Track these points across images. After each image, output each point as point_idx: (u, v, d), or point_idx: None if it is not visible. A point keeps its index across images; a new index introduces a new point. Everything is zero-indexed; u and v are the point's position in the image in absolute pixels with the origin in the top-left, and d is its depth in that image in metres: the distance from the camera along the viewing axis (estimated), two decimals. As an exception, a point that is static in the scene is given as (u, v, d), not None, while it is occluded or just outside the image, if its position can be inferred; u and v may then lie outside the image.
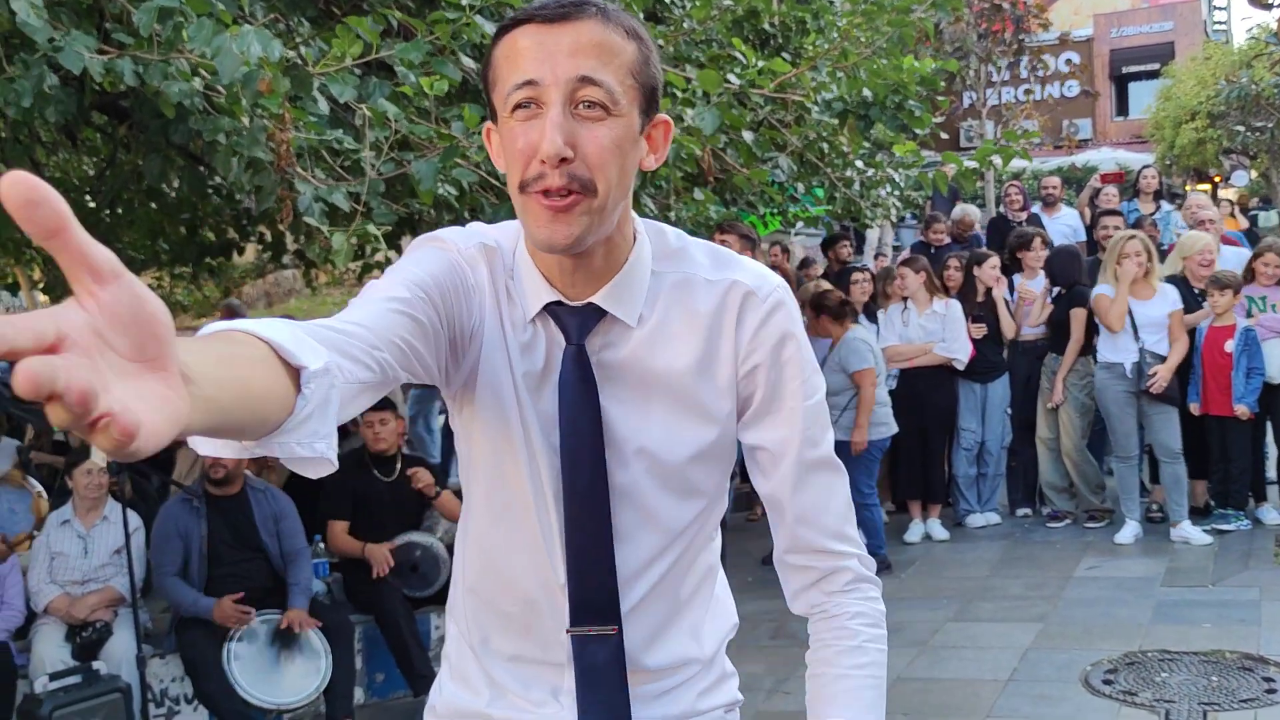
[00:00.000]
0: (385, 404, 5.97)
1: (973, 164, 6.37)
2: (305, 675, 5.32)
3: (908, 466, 8.23)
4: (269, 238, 7.00)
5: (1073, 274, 8.13)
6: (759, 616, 6.59)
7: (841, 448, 6.95)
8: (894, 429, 7.32)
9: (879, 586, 1.67)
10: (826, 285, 7.67)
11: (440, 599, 5.95)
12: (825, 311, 7.03)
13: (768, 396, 1.56)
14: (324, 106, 3.91)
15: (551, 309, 1.53)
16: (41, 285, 9.87)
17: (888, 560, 7.22)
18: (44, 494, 6.44)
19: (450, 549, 6.03)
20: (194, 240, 6.98)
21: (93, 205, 6.25)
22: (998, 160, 6.19)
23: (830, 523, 1.61)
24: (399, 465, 6.06)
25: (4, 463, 5.87)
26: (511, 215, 1.52)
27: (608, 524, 1.56)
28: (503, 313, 1.54)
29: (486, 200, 4.58)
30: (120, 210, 6.22)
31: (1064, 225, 10.39)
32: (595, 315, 1.52)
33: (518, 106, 1.40)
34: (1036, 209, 10.67)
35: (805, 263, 10.89)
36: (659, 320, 1.54)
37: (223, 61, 3.31)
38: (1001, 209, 11.33)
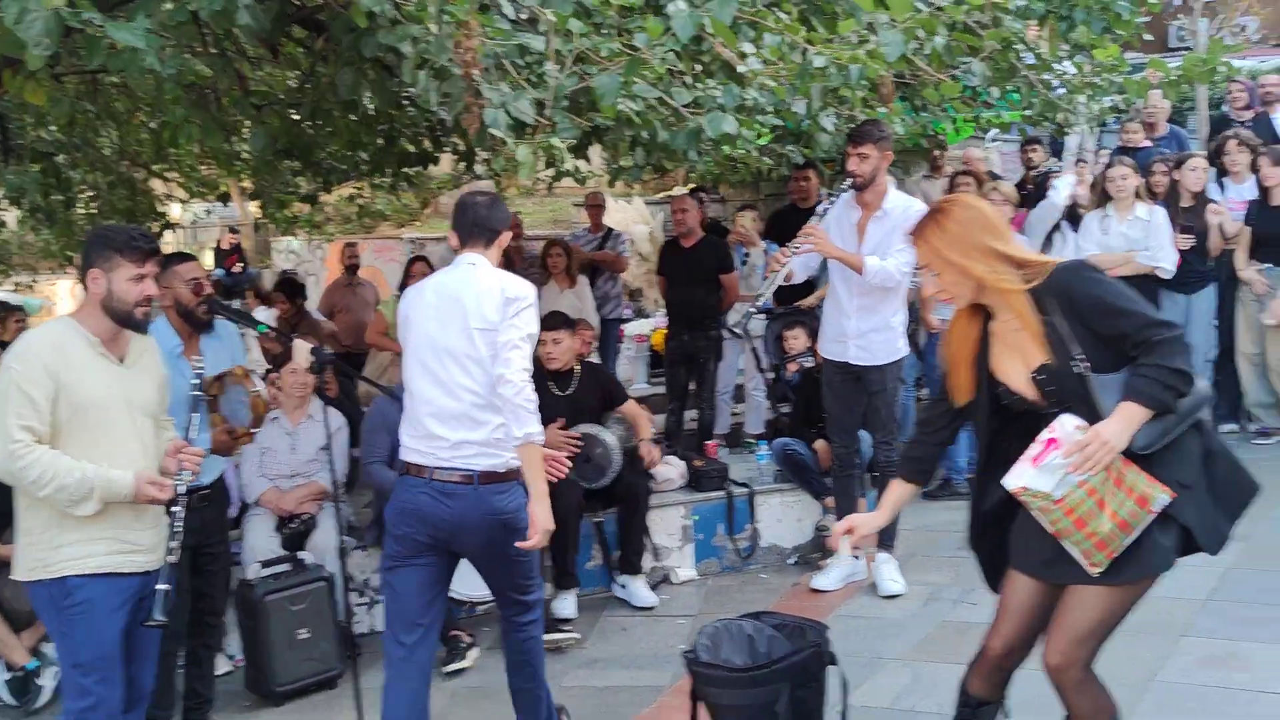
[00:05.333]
0: (560, 323, 6.13)
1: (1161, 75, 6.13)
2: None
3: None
4: (462, 148, 7.13)
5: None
6: (945, 527, 6.53)
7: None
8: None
9: None
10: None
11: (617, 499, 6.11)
12: None
13: None
14: (510, 12, 3.93)
15: None
16: (250, 194, 10.26)
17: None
18: (262, 393, 6.72)
19: (624, 448, 6.17)
20: (392, 151, 7.14)
21: (296, 118, 6.46)
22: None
23: None
24: (576, 378, 6.32)
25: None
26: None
27: None
28: None
29: (661, 120, 4.50)
30: (321, 122, 6.40)
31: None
32: None
33: None
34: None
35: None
36: None
37: (411, -32, 3.35)
38: (1225, 109, 10.70)
